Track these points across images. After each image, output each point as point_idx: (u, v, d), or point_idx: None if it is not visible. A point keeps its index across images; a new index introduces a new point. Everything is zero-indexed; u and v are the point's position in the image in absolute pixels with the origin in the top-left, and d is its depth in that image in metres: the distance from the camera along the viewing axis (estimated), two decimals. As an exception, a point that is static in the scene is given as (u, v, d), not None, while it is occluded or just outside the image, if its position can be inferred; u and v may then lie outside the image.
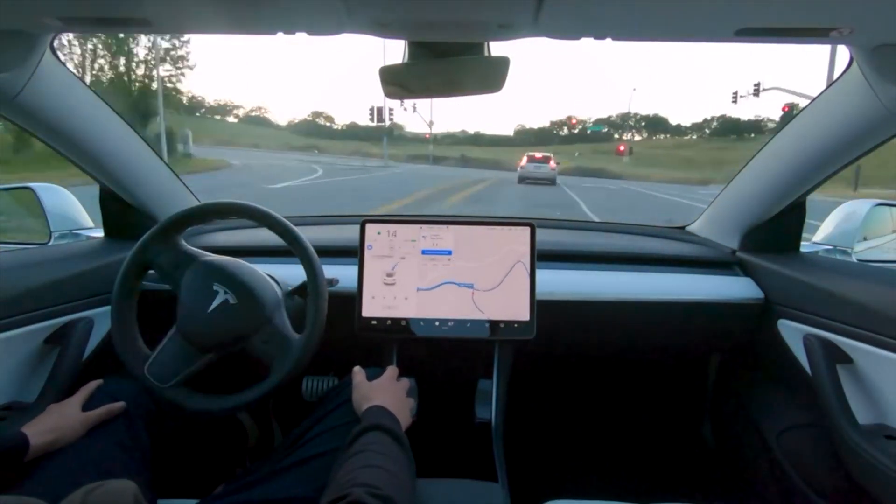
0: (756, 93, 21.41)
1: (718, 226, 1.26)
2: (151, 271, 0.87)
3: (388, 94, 0.81)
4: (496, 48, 0.74)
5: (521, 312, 1.00)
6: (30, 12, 0.63)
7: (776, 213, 1.09)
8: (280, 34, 0.66)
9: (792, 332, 0.99)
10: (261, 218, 0.87)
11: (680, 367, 1.40)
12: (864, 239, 1.33)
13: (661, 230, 1.41)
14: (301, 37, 0.66)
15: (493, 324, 1.00)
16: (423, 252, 1.02)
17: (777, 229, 1.12)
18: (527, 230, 1.01)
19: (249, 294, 0.84)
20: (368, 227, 1.02)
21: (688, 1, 0.55)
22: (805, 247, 1.18)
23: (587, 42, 0.65)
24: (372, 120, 27.55)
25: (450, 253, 1.02)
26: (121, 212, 1.13)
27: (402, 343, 1.06)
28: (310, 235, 0.88)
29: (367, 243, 1.02)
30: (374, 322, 1.00)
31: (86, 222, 1.34)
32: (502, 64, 0.74)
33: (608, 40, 0.66)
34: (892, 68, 0.69)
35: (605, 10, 0.58)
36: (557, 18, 0.59)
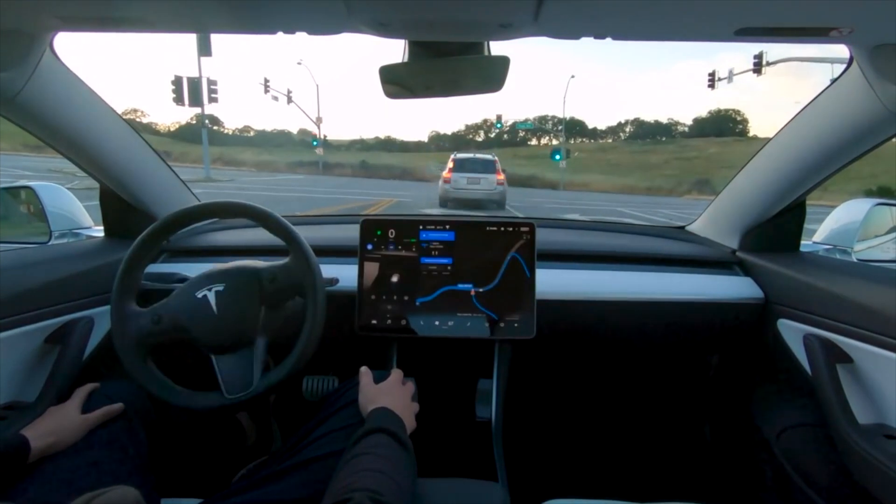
0: (758, 69, 16.34)
1: (718, 225, 1.26)
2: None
3: (389, 94, 0.81)
4: (496, 48, 0.74)
5: (522, 311, 1.00)
6: (30, 12, 0.63)
7: (776, 213, 1.09)
8: (280, 34, 0.66)
9: (792, 332, 0.99)
10: (259, 217, 0.87)
11: (680, 367, 1.40)
12: (864, 238, 1.33)
13: (661, 230, 1.41)
14: (301, 37, 0.66)
15: (494, 323, 1.00)
16: (423, 252, 1.02)
17: (777, 229, 1.12)
18: (527, 230, 1.02)
19: (226, 272, 0.86)
20: (368, 226, 1.02)
21: (688, 1, 0.55)
22: (805, 246, 1.18)
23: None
24: (178, 100, 15.76)
25: (451, 261, 1.02)
26: (121, 211, 1.13)
27: (401, 342, 1.06)
28: (309, 235, 0.88)
29: (366, 243, 1.02)
30: (374, 321, 1.01)
31: (86, 222, 1.34)
32: (502, 63, 0.74)
33: (608, 40, 0.66)
34: (892, 68, 0.69)
35: (605, 9, 0.58)
36: (557, 18, 0.60)
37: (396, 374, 0.84)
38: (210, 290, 0.83)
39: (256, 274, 0.85)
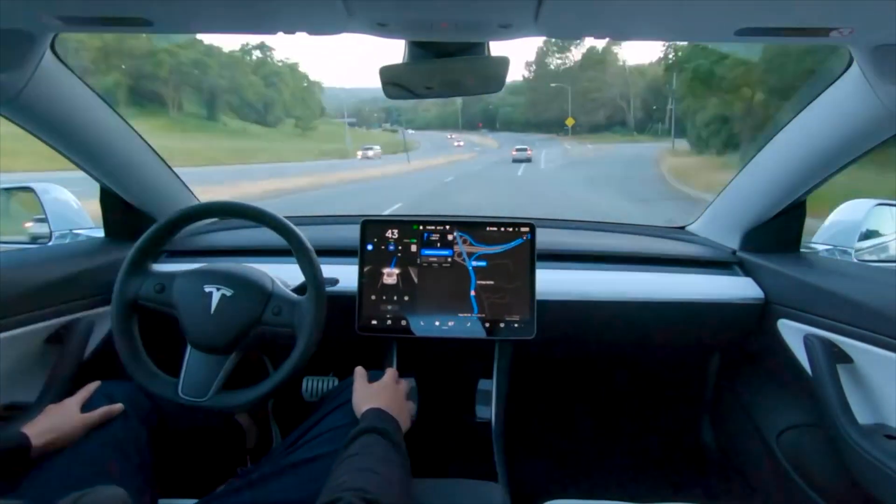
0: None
1: (719, 226, 1.26)
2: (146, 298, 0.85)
3: (389, 95, 0.81)
4: (496, 48, 0.74)
5: (522, 312, 1.00)
6: (30, 12, 0.63)
7: (776, 213, 1.09)
8: (280, 34, 0.66)
9: (792, 332, 0.99)
10: (260, 218, 0.87)
11: (680, 367, 1.40)
12: (864, 238, 1.33)
13: (661, 230, 1.41)
14: (301, 37, 0.66)
15: (493, 323, 1.00)
16: (423, 253, 1.02)
17: (777, 229, 1.12)
18: (527, 230, 1.02)
19: (241, 280, 0.85)
20: (369, 227, 1.02)
21: (688, 1, 0.55)
22: (805, 246, 1.18)
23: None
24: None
25: (451, 253, 1.02)
26: (121, 212, 1.13)
27: (401, 343, 1.06)
28: (310, 235, 0.88)
29: (367, 243, 1.02)
30: (374, 322, 1.01)
31: (86, 222, 1.34)
32: (502, 64, 0.74)
33: (608, 40, 0.66)
34: (892, 68, 0.69)
35: (605, 9, 0.58)
36: (557, 18, 0.59)
37: (391, 373, 0.84)
38: (218, 289, 0.84)
39: (266, 298, 0.85)
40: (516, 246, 1.01)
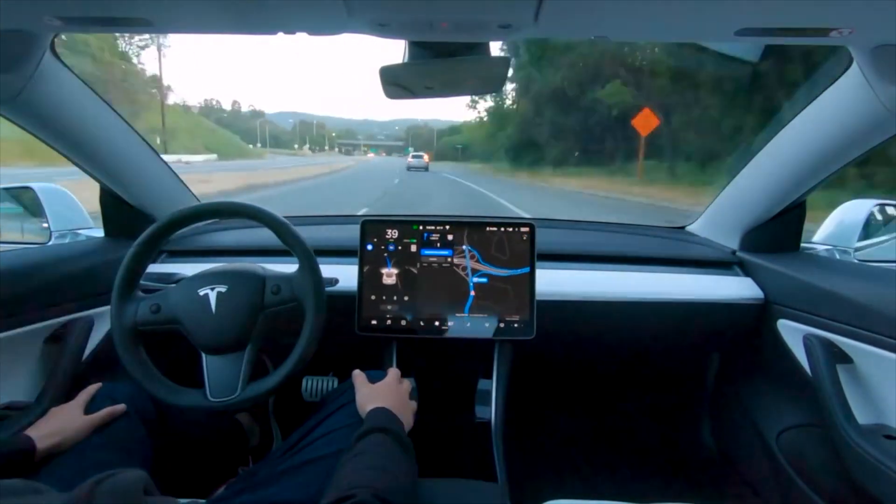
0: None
1: (718, 226, 1.26)
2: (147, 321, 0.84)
3: (389, 95, 0.81)
4: (496, 48, 0.74)
5: (521, 312, 1.00)
6: (30, 12, 0.63)
7: (776, 213, 1.09)
8: (280, 34, 0.66)
9: (792, 332, 0.99)
10: (259, 218, 0.87)
11: (680, 367, 1.40)
12: (864, 238, 1.33)
13: (661, 230, 1.41)
14: (301, 37, 0.66)
15: (494, 323, 1.00)
16: (423, 252, 1.02)
17: (777, 229, 1.12)
18: (527, 230, 1.02)
19: (232, 274, 0.85)
20: (368, 226, 1.02)
21: (688, 1, 0.55)
22: (805, 246, 1.18)
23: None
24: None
25: (450, 253, 1.02)
26: (121, 211, 1.13)
27: (401, 343, 1.06)
28: (310, 235, 0.87)
29: (366, 243, 1.02)
30: (374, 322, 1.01)
31: (86, 222, 1.34)
32: (502, 64, 0.74)
33: (608, 40, 0.66)
34: (892, 68, 0.70)
35: (605, 9, 0.58)
36: (557, 18, 0.60)
37: (394, 373, 0.84)
38: (212, 289, 0.83)
39: (261, 281, 0.85)
40: (519, 275, 1.01)
